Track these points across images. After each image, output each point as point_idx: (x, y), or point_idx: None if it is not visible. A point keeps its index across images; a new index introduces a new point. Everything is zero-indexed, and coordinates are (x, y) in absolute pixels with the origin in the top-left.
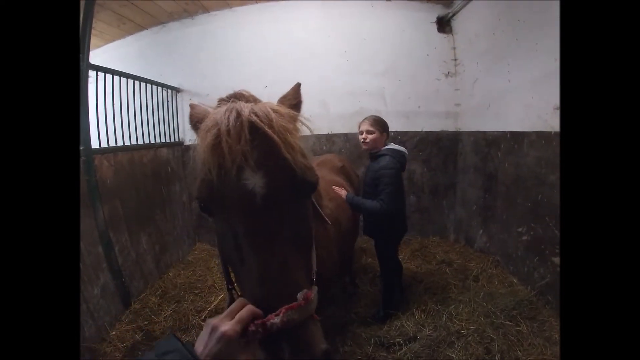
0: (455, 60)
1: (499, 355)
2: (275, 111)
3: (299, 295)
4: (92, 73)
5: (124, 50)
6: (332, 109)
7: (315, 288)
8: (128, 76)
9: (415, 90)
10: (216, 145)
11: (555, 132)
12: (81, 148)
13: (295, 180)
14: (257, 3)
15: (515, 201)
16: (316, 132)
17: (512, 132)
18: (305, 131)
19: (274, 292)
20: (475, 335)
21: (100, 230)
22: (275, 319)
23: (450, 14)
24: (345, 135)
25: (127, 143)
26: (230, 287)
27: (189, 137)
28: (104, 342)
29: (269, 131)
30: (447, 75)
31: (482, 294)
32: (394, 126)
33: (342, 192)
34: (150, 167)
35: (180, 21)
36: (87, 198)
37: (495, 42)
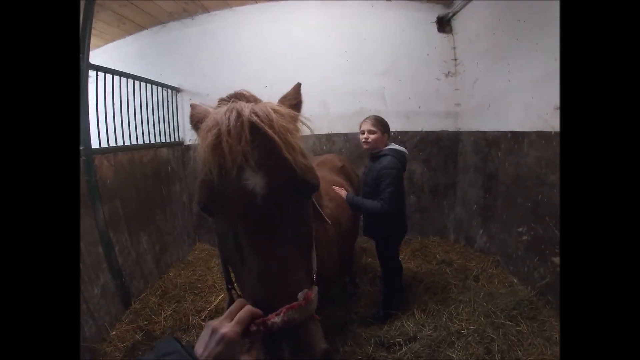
0: (456, 60)
1: (499, 355)
2: (275, 111)
3: (300, 295)
4: (92, 73)
5: (124, 50)
6: (332, 108)
7: (315, 288)
8: (128, 76)
9: (415, 90)
10: (217, 146)
11: (555, 132)
12: (81, 148)
13: (296, 180)
14: (257, 3)
15: (516, 201)
16: (316, 132)
17: (512, 132)
18: (305, 131)
19: (275, 292)
20: (476, 335)
21: (100, 230)
22: (276, 319)
23: (451, 14)
24: (346, 135)
25: (127, 143)
26: (229, 287)
27: (189, 137)
28: (104, 342)
29: (270, 131)
30: (447, 75)
31: (482, 294)
32: (394, 126)
33: (342, 192)
34: (150, 167)
35: (180, 21)
36: (87, 198)
37: (496, 42)
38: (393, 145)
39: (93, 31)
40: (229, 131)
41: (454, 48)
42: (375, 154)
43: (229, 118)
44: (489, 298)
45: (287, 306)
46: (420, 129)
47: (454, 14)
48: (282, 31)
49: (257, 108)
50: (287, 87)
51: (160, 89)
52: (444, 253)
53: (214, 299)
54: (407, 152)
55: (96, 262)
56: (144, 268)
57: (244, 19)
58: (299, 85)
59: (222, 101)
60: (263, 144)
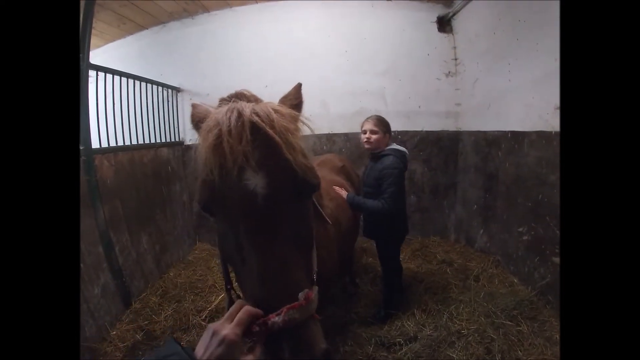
0: (456, 59)
1: (499, 355)
2: (276, 111)
3: (300, 295)
4: (92, 73)
5: (124, 50)
6: (333, 108)
7: (316, 288)
8: (128, 76)
9: (415, 90)
10: (217, 146)
11: (555, 132)
12: (81, 148)
13: (297, 180)
14: (257, 3)
15: (516, 201)
16: (316, 132)
17: (512, 132)
18: (306, 131)
19: (275, 292)
20: (476, 335)
21: (100, 230)
22: (276, 319)
23: (451, 14)
24: (346, 135)
25: (127, 143)
26: (228, 287)
27: (189, 137)
28: (105, 341)
29: (270, 131)
30: (448, 75)
31: (482, 293)
32: (394, 126)
33: (343, 192)
34: (150, 167)
35: (181, 21)
36: (87, 198)
37: (496, 42)
38: (394, 145)
39: (93, 31)
40: (229, 131)
41: (454, 48)
42: (376, 154)
43: (229, 118)
44: (490, 298)
45: (288, 306)
46: (420, 129)
47: (454, 14)
48: (283, 31)
49: (258, 108)
50: (287, 87)
51: (160, 88)
52: (444, 253)
53: (215, 298)
54: (407, 152)
55: (96, 262)
56: (144, 268)
57: (244, 18)
58: (299, 86)
59: (223, 101)
60: (264, 144)
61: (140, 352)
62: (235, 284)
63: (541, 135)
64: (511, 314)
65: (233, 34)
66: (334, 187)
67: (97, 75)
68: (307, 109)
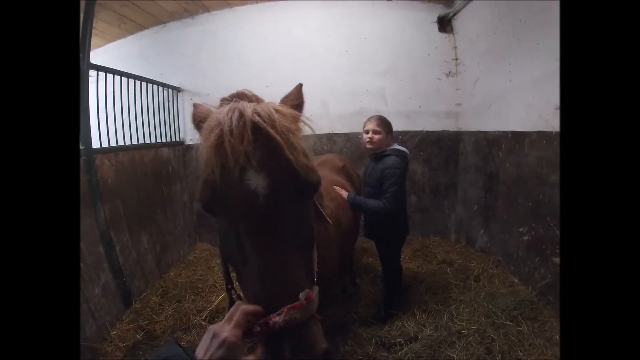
0: (456, 59)
1: (499, 355)
2: (278, 111)
3: (301, 295)
4: (93, 73)
5: (124, 50)
6: (333, 108)
7: (316, 288)
8: (129, 76)
9: (416, 90)
10: (219, 146)
11: (556, 132)
12: (82, 148)
13: (298, 181)
14: (257, 3)
15: (517, 201)
16: (317, 132)
17: (513, 132)
18: (307, 131)
19: (276, 292)
20: (476, 335)
21: (101, 230)
22: (277, 319)
23: (451, 14)
24: (346, 135)
25: (128, 143)
26: (229, 287)
27: (189, 136)
28: (105, 341)
29: (272, 131)
30: (448, 74)
31: (483, 294)
32: (394, 126)
33: (344, 193)
34: (151, 167)
35: (181, 21)
36: (88, 198)
37: (496, 42)
38: (396, 146)
39: (94, 31)
40: (231, 131)
41: (455, 48)
42: (378, 154)
43: (231, 118)
44: (490, 298)
45: (289, 306)
46: (421, 129)
47: (454, 14)
48: (283, 31)
49: (259, 108)
50: (287, 87)
51: (161, 88)
52: (444, 253)
53: (215, 298)
54: (408, 153)
55: (97, 261)
56: (144, 268)
57: (245, 18)
58: (300, 86)
59: (224, 101)
60: (265, 144)
61: (141, 352)
62: (236, 284)
63: (542, 135)
64: (511, 314)
65: (233, 34)
66: (335, 187)
67: (97, 75)
68: (308, 108)
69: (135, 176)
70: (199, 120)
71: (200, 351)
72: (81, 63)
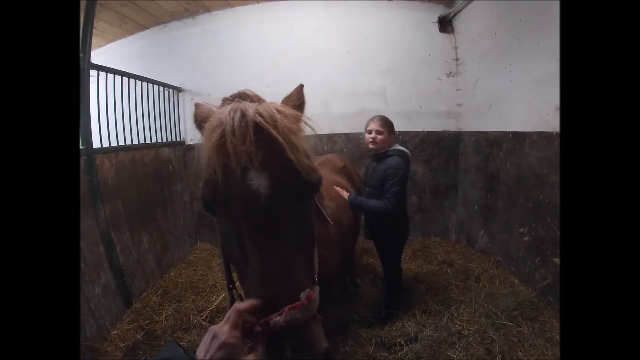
0: (457, 60)
1: (500, 355)
2: (279, 112)
3: (302, 295)
4: (93, 72)
5: (125, 50)
6: (334, 108)
7: (317, 288)
8: (129, 76)
9: (416, 90)
10: (221, 146)
11: (556, 133)
12: (83, 148)
13: (300, 181)
14: (258, 3)
15: (517, 201)
16: (318, 132)
17: (513, 133)
18: (308, 132)
19: (277, 292)
20: (477, 335)
21: (101, 230)
22: (278, 318)
23: (452, 14)
24: (347, 135)
25: (128, 143)
26: (230, 286)
27: (190, 136)
28: (105, 341)
29: (274, 132)
30: (449, 75)
31: (483, 294)
32: (395, 126)
33: (344, 193)
34: (151, 167)
35: (182, 21)
36: (88, 198)
37: (497, 42)
38: (397, 146)
39: (94, 31)
40: (233, 131)
41: (456, 48)
42: (380, 155)
43: (233, 118)
44: (490, 299)
45: (290, 306)
46: (421, 129)
47: (455, 14)
48: (284, 31)
49: (261, 108)
50: (288, 87)
51: (161, 88)
52: (445, 253)
53: (215, 298)
54: (409, 153)
55: (97, 261)
56: (145, 267)
57: (246, 18)
58: (301, 87)
59: (225, 101)
60: (267, 145)
61: (141, 352)
62: (237, 284)
63: (542, 135)
64: (512, 314)
65: (234, 34)
66: (335, 187)
67: (98, 74)
68: (308, 109)
69: (136, 176)
70: (200, 120)
71: (200, 352)
72: (82, 63)
